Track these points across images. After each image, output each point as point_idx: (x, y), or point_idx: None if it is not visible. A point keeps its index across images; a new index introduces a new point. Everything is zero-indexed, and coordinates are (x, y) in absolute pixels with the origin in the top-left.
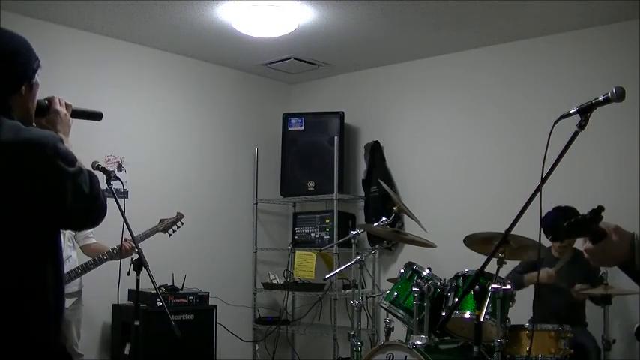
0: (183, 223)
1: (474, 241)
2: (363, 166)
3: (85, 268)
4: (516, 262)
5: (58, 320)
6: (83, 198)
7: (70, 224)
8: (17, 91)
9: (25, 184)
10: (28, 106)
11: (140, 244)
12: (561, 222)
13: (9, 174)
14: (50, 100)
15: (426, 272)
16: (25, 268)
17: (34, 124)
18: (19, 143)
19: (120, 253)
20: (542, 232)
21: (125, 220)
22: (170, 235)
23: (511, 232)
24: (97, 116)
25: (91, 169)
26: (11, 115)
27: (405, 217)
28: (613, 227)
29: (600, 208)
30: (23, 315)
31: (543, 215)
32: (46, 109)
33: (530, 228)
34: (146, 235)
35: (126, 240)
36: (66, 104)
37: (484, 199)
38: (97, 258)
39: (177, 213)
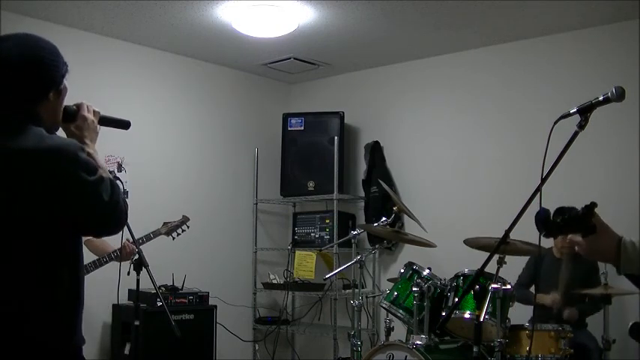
0: (188, 227)
1: (475, 245)
2: (363, 166)
3: (85, 270)
4: (517, 260)
5: (73, 323)
6: (102, 206)
7: (89, 231)
8: (45, 98)
9: (45, 190)
10: (56, 111)
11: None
12: (555, 218)
13: (29, 180)
14: (79, 106)
15: (426, 272)
16: (36, 270)
17: (61, 129)
18: (40, 150)
19: (120, 255)
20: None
21: None
22: (174, 238)
23: (511, 237)
24: (124, 125)
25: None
26: (39, 122)
27: (405, 217)
28: (605, 226)
29: (593, 205)
30: (23, 315)
31: (536, 212)
32: (74, 114)
33: (530, 228)
34: (149, 238)
35: (128, 241)
36: (94, 111)
37: (484, 199)
38: (97, 261)
39: (183, 216)
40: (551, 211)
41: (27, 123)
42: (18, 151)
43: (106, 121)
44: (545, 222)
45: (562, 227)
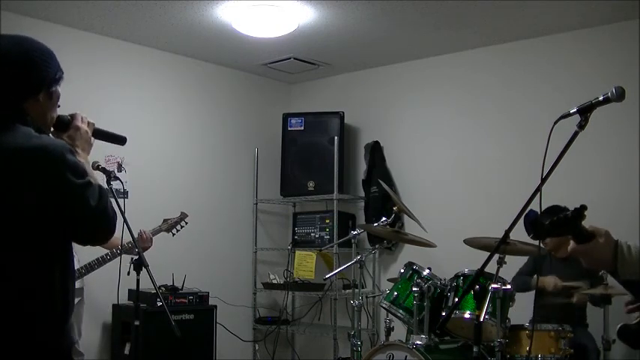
0: (187, 223)
1: (475, 245)
2: (363, 166)
3: (88, 268)
4: (517, 260)
5: (64, 323)
6: (89, 211)
7: (75, 237)
8: (34, 97)
9: (31, 191)
10: (45, 114)
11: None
12: (544, 220)
13: (17, 180)
14: (73, 116)
15: (426, 272)
16: (31, 271)
17: (50, 135)
18: (28, 149)
19: (122, 252)
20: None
21: (125, 221)
22: (174, 234)
23: (511, 238)
24: (120, 140)
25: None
26: (27, 122)
27: (405, 217)
28: (603, 232)
29: (583, 207)
30: (24, 316)
31: (525, 214)
32: (68, 124)
33: None
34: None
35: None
36: (88, 122)
37: (484, 199)
38: (100, 258)
39: (181, 212)
40: (531, 209)
41: (15, 121)
42: (4, 148)
43: (101, 134)
44: (534, 224)
45: (550, 230)
